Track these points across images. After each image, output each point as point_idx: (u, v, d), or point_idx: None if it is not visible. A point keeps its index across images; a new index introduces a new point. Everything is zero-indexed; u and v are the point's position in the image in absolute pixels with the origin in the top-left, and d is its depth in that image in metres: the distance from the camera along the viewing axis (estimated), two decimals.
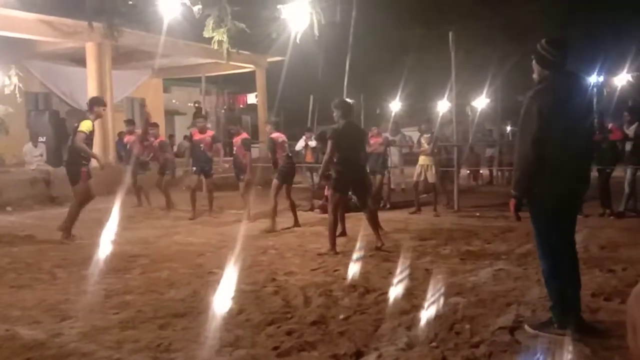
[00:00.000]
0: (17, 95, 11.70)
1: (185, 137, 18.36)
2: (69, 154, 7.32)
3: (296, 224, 8.47)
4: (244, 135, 9.04)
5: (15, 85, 11.55)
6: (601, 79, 21.32)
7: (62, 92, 16.20)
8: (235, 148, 9.10)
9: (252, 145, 9.69)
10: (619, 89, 19.01)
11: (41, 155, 13.02)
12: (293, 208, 8.57)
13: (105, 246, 6.62)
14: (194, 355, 3.44)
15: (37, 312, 4.32)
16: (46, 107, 16.47)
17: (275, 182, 8.38)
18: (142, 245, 7.08)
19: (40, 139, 13.48)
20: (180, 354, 3.45)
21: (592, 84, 19.24)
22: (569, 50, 3.66)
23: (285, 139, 8.72)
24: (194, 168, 9.42)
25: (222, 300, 4.50)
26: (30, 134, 13.79)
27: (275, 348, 3.50)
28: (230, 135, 9.92)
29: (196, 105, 19.40)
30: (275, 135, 8.61)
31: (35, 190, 11.35)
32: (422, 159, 9.89)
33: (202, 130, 9.43)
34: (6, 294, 4.87)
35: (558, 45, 3.65)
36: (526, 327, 3.73)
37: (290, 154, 8.77)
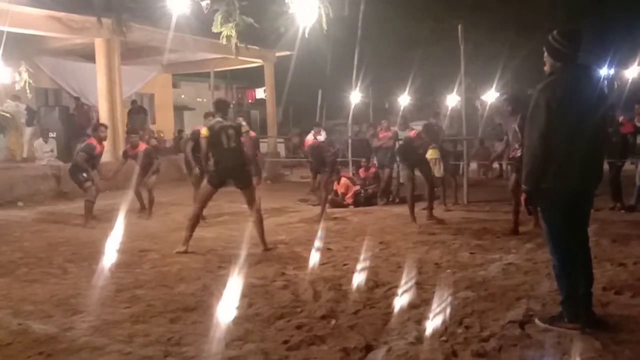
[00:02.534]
0: (28, 91, 11.76)
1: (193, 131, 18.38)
2: (241, 156, 6.54)
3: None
4: (251, 134, 9.03)
5: (25, 82, 11.60)
6: (612, 71, 21.12)
7: (71, 88, 16.29)
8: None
9: (260, 141, 9.70)
10: (630, 81, 18.82)
11: (52, 150, 13.10)
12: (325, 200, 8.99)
13: (115, 241, 6.65)
14: (204, 349, 3.46)
15: (49, 307, 4.36)
16: (56, 103, 16.57)
17: (324, 176, 8.82)
18: (152, 240, 7.12)
19: (51, 134, 13.56)
20: (190, 348, 3.47)
21: (602, 76, 19.08)
22: (582, 41, 3.62)
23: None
24: (197, 169, 8.73)
25: (232, 294, 4.52)
26: (41, 129, 13.88)
27: (285, 342, 3.52)
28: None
29: (133, 100, 17.79)
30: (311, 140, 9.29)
31: (46, 185, 11.43)
32: (430, 153, 9.85)
33: None
34: (18, 289, 4.92)
35: (570, 36, 3.60)
36: (536, 321, 3.72)
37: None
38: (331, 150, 9.18)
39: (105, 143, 9.06)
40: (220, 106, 6.78)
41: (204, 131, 6.55)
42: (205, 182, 6.56)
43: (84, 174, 8.40)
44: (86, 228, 8.06)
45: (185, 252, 6.25)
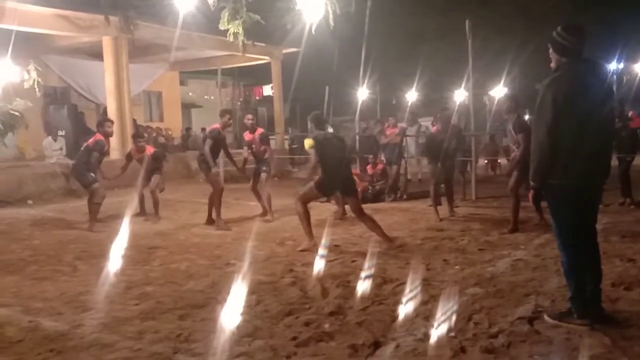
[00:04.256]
0: (36, 90, 11.83)
1: (203, 129, 18.44)
2: (348, 166, 6.73)
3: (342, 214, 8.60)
4: (260, 130, 8.88)
5: (34, 80, 11.67)
6: (621, 65, 20.97)
7: (79, 86, 16.35)
8: (253, 145, 8.89)
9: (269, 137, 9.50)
10: (639, 76, 18.69)
11: (61, 149, 13.17)
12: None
13: (124, 238, 6.68)
14: (213, 346, 3.47)
15: (59, 304, 4.39)
16: (65, 101, 16.65)
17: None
18: (160, 237, 7.15)
19: (60, 132, 13.63)
20: (199, 344, 3.49)
21: (611, 71, 18.95)
22: (586, 36, 3.59)
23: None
24: (216, 168, 8.79)
25: (241, 291, 4.53)
26: (50, 128, 13.94)
27: (294, 338, 3.53)
28: (244, 127, 9.34)
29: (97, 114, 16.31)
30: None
31: (55, 183, 11.49)
32: None
33: (227, 127, 8.79)
34: (28, 286, 4.96)
35: (574, 31, 3.58)
36: (545, 317, 3.71)
37: None
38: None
39: (111, 140, 8.87)
40: (318, 121, 6.79)
41: (309, 142, 6.52)
42: (313, 185, 6.49)
43: (92, 174, 7.94)
44: (92, 232, 7.64)
45: (315, 245, 6.18)
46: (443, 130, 8.43)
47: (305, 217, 6.41)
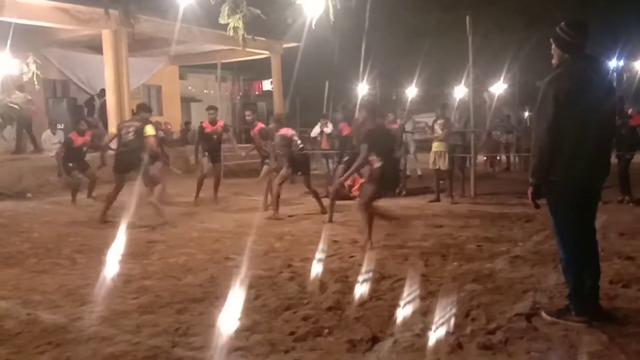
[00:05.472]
0: (35, 83, 11.81)
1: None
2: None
3: (322, 211, 8.44)
4: (260, 125, 9.02)
5: (33, 73, 11.64)
6: (621, 63, 20.94)
7: (79, 79, 16.31)
8: (255, 140, 9.10)
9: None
10: (639, 73, 18.66)
11: (60, 142, 13.13)
12: (316, 196, 8.65)
13: (123, 232, 6.68)
14: (211, 340, 3.48)
15: (58, 297, 4.40)
16: (64, 95, 16.61)
17: (285, 170, 8.39)
18: (159, 231, 7.15)
19: (59, 126, 13.61)
20: (198, 338, 3.49)
21: (611, 68, 18.91)
22: (589, 32, 3.59)
23: (294, 133, 8.76)
24: (206, 153, 9.70)
25: (239, 285, 4.54)
26: (49, 121, 13.92)
27: (292, 333, 3.54)
28: (245, 122, 9.90)
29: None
30: (283, 131, 8.59)
31: (54, 176, 11.46)
32: (436, 146, 9.78)
33: (213, 122, 9.66)
34: (27, 279, 4.96)
35: (578, 27, 3.57)
36: (543, 314, 3.71)
37: (301, 145, 8.77)
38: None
39: (87, 136, 9.84)
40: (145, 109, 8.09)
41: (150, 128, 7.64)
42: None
43: (70, 164, 9.58)
44: (74, 205, 9.29)
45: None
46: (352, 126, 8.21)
47: (110, 200, 7.83)
